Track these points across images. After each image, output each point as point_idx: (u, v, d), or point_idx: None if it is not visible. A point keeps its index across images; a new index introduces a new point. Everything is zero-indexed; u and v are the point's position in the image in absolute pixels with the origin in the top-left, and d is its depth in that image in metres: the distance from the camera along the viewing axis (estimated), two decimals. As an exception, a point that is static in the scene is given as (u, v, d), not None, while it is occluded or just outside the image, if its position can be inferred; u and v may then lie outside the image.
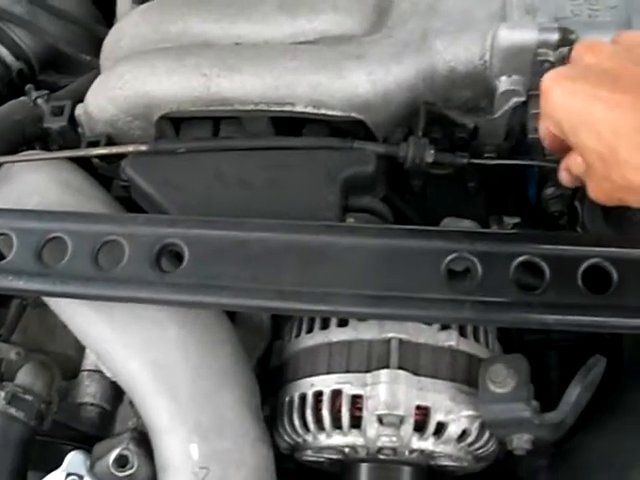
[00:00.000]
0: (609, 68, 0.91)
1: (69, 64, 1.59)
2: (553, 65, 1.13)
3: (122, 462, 1.14)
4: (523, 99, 1.18)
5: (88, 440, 1.24)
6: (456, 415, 1.10)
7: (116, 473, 1.13)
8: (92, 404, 1.24)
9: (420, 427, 1.11)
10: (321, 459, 1.22)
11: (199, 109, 1.23)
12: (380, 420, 1.10)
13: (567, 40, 1.12)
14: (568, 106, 0.92)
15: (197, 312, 1.16)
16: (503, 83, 1.17)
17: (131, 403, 1.18)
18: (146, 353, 1.13)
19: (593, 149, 0.90)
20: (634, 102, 0.86)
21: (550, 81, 0.95)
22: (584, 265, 1.02)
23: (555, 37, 1.11)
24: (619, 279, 1.01)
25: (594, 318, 1.01)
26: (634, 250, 1.03)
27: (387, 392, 1.09)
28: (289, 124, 1.28)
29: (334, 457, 1.19)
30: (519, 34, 1.13)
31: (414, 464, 1.17)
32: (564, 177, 1.08)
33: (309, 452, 1.19)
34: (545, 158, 1.19)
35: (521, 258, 1.03)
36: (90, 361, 1.25)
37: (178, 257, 1.09)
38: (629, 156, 0.87)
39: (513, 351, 1.22)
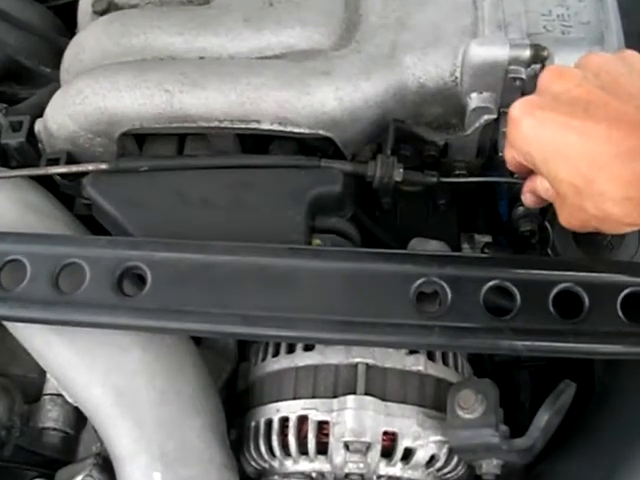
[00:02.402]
0: (579, 96, 0.88)
1: (29, 76, 1.55)
2: (524, 82, 1.12)
3: (85, 490, 1.12)
4: (494, 116, 1.16)
5: (51, 465, 1.23)
6: (424, 441, 1.09)
7: (79, 500, 1.11)
8: (54, 429, 1.21)
9: (388, 453, 1.09)
10: (289, 484, 1.20)
11: (162, 126, 1.20)
12: (347, 447, 1.08)
13: (539, 57, 1.11)
14: (539, 137, 0.90)
15: (162, 336, 1.13)
16: (474, 100, 1.16)
17: (94, 427, 1.15)
18: (109, 378, 1.10)
19: (566, 180, 0.89)
20: (608, 131, 0.84)
21: (519, 111, 0.93)
22: (555, 290, 1.00)
23: (527, 54, 1.11)
24: (590, 304, 0.99)
25: (565, 344, 0.99)
26: (606, 275, 1.01)
27: (354, 418, 1.07)
28: (256, 141, 1.26)
29: (302, 483, 1.18)
30: (490, 50, 1.12)
31: (382, 490, 1.15)
32: (528, 199, 1.06)
33: (276, 477, 1.17)
34: (514, 177, 1.17)
35: (491, 283, 1.01)
36: (52, 384, 1.22)
37: (141, 280, 1.07)
38: (605, 187, 0.85)
39: (484, 371, 1.21)
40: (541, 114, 0.90)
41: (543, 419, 1.06)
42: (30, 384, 1.24)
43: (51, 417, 1.21)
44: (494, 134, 1.21)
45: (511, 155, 0.99)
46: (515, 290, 1.00)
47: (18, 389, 1.22)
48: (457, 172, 1.27)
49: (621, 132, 0.83)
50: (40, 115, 1.28)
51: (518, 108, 0.93)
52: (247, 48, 1.23)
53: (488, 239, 1.29)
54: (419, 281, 1.02)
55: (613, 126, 0.84)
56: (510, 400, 1.12)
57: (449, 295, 1.01)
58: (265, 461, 1.14)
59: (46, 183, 1.28)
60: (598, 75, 0.89)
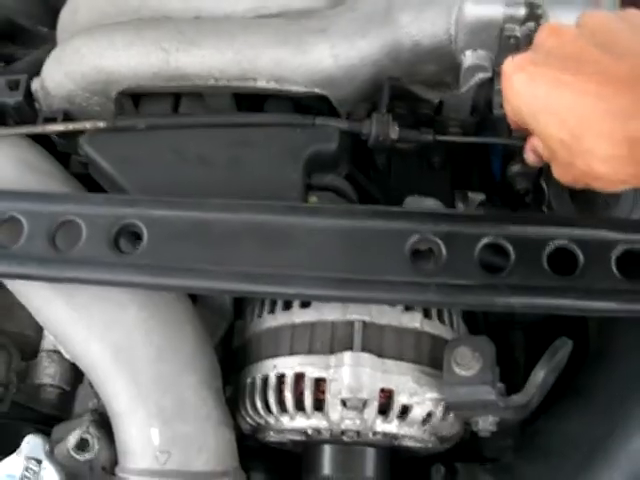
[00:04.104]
0: (572, 52, 0.87)
1: (26, 37, 1.53)
2: (519, 40, 1.11)
3: (82, 445, 1.12)
4: (489, 75, 1.15)
5: (48, 421, 1.22)
6: (420, 398, 1.09)
7: (76, 457, 1.11)
8: (51, 385, 1.21)
9: (384, 410, 1.09)
10: (284, 440, 1.20)
11: (159, 85, 1.20)
12: (343, 403, 1.08)
13: (534, 15, 1.10)
14: (530, 92, 0.90)
15: (158, 293, 1.13)
16: (468, 58, 1.15)
17: (91, 384, 1.15)
18: (106, 335, 1.10)
19: (556, 136, 0.88)
20: (598, 89, 0.83)
21: (511, 66, 0.92)
22: (550, 247, 1.01)
23: (522, 12, 1.09)
24: (585, 261, 1.00)
25: (560, 301, 1.00)
26: (601, 231, 1.02)
27: (350, 375, 1.07)
28: (252, 101, 1.26)
29: (297, 438, 1.18)
30: (485, 8, 1.11)
31: (378, 445, 1.16)
32: (530, 157, 1.05)
33: (272, 433, 1.18)
34: (511, 136, 1.17)
35: (486, 239, 1.02)
36: (49, 341, 1.22)
37: (137, 238, 1.07)
38: (594, 145, 0.84)
39: (478, 331, 1.22)
40: (533, 69, 0.90)
41: (540, 376, 1.06)
42: (27, 341, 1.25)
43: (48, 373, 1.21)
44: (489, 92, 1.19)
45: (507, 110, 0.99)
46: (509, 247, 1.01)
47: (15, 346, 1.23)
48: (451, 130, 1.26)
49: (611, 90, 0.82)
50: (37, 74, 1.27)
51: (510, 63, 0.93)
52: (243, 8, 1.22)
53: (482, 197, 1.29)
54: (414, 238, 1.02)
55: (603, 83, 0.83)
56: (504, 360, 1.12)
57: (444, 252, 1.01)
58: (261, 417, 1.14)
59: (43, 143, 1.27)
60: (595, 33, 0.88)
